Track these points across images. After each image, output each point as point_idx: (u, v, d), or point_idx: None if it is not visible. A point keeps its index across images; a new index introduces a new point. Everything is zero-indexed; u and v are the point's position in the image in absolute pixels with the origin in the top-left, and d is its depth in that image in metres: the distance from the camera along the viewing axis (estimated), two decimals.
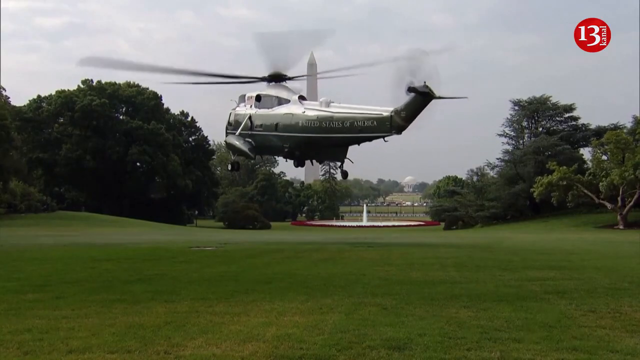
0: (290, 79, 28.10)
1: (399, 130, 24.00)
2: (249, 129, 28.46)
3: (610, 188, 60.49)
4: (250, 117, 28.32)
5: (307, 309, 9.88)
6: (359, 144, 26.53)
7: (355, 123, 24.78)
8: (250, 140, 28.66)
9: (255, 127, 28.32)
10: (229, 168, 35.94)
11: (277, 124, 27.39)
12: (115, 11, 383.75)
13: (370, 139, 25.49)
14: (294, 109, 26.89)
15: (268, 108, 27.93)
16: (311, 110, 26.27)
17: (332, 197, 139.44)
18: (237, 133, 28.81)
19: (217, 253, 23.31)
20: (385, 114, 24.13)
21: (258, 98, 28.37)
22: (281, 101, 27.50)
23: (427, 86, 22.61)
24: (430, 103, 23.29)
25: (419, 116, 23.70)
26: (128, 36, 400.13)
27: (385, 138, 25.12)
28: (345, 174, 28.72)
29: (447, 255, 21.89)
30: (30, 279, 14.14)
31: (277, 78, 27.89)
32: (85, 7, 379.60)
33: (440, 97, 23.31)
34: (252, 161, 32.28)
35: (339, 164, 28.12)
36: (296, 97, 27.27)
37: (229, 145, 31.07)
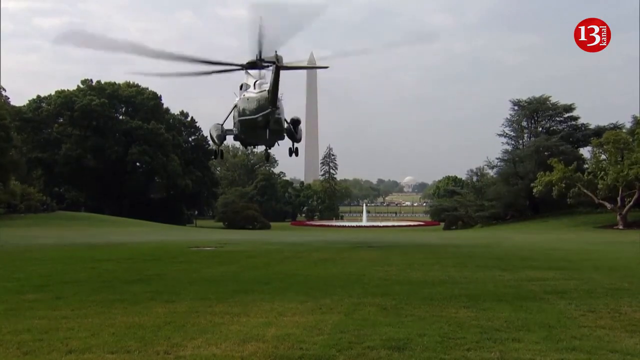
0: (265, 67, 27.14)
1: (274, 105, 23.30)
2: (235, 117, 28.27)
3: (609, 188, 60.48)
4: (236, 106, 28.16)
5: (307, 309, 9.88)
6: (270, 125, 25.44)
7: (260, 102, 24.33)
8: (233, 128, 28.34)
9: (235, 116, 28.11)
10: (213, 157, 35.03)
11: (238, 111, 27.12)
12: (114, 11, 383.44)
13: (268, 117, 24.43)
14: (245, 95, 26.34)
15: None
16: (249, 93, 25.77)
17: (332, 197, 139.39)
18: (222, 122, 28.48)
19: (216, 253, 23.31)
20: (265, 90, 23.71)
21: (241, 87, 28.16)
22: (246, 87, 27.14)
23: (275, 56, 21.75)
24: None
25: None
26: (128, 36, 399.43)
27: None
28: (267, 156, 27.86)
29: (447, 255, 21.90)
30: (30, 279, 14.14)
31: (252, 66, 27.16)
32: (84, 7, 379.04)
33: (286, 68, 22.42)
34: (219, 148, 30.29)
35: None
36: (253, 81, 26.54)
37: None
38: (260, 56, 21.78)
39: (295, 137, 26.67)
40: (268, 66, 24.73)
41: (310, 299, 10.84)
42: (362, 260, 19.59)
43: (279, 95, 26.91)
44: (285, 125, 26.16)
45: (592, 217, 67.82)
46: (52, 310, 9.80)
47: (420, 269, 16.47)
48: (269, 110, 23.52)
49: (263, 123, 24.72)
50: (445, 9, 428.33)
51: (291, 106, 29.27)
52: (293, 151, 27.77)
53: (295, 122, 26.71)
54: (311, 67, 25.03)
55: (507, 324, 8.60)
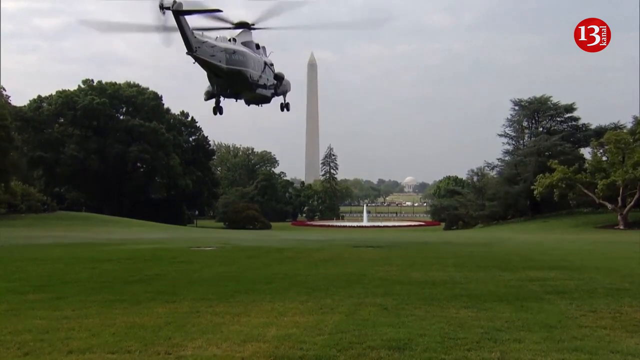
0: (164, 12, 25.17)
1: (189, 49, 22.34)
2: None
3: (610, 188, 60.46)
4: None
5: (308, 309, 9.88)
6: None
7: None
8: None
9: None
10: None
11: None
12: (113, 11, 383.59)
13: (209, 65, 24.00)
14: None
15: None
16: None
17: (333, 197, 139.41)
18: None
19: (217, 253, 23.30)
20: None
21: None
22: None
23: (174, 1, 20.53)
24: None
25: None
26: (126, 37, 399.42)
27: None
28: (217, 110, 27.85)
29: (447, 255, 21.89)
30: (30, 279, 14.14)
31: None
32: (82, 7, 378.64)
33: (183, 12, 20.97)
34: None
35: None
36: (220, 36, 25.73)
37: None
38: (161, 2, 21.29)
39: (276, 91, 28.16)
40: (170, 10, 22.80)
41: (310, 299, 10.83)
42: (362, 260, 19.58)
43: (267, 53, 27.31)
44: (266, 81, 26.82)
45: (592, 217, 67.82)
46: (53, 311, 9.79)
47: (421, 269, 16.46)
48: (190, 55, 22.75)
49: (214, 72, 24.47)
50: (445, 9, 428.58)
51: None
52: (284, 106, 29.54)
53: (278, 77, 27.98)
54: (205, 11, 24.56)
55: (507, 324, 8.59)
